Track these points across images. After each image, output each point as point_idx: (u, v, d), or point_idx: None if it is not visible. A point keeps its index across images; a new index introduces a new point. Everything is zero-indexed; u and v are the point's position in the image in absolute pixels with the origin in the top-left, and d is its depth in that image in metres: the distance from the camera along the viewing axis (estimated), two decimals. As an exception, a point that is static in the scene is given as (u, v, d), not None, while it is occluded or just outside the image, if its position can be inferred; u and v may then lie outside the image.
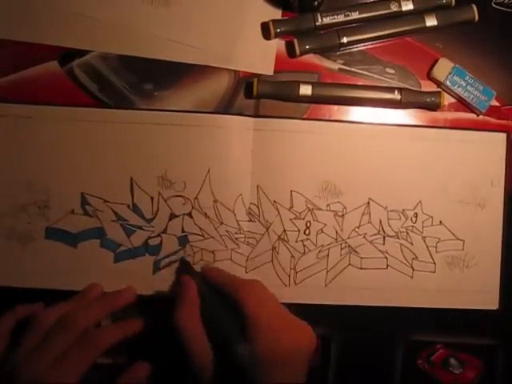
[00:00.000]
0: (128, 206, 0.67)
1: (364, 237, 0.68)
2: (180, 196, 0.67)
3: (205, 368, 0.58)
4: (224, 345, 0.58)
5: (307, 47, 0.68)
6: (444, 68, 0.69)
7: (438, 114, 0.70)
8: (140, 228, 0.67)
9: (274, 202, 0.67)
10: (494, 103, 0.70)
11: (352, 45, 0.69)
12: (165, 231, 0.67)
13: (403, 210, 0.68)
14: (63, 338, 0.58)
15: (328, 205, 0.68)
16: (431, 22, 0.69)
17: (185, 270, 0.66)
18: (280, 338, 0.58)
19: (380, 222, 0.68)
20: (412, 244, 0.68)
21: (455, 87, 0.69)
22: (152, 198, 0.67)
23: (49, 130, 0.66)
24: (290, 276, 0.67)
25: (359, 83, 0.70)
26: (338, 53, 0.70)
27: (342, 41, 0.68)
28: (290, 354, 0.58)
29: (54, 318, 0.60)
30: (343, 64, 0.70)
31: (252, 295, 0.60)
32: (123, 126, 0.67)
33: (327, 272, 0.68)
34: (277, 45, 0.69)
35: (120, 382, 0.61)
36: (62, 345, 0.58)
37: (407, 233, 0.68)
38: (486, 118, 0.70)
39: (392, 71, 0.70)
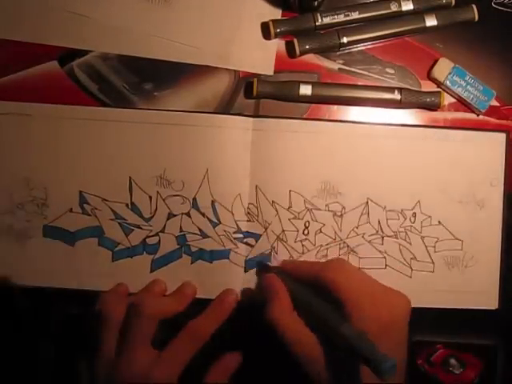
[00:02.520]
0: (126, 205, 0.67)
1: (363, 237, 0.68)
2: (178, 195, 0.67)
3: (315, 359, 0.57)
4: (327, 330, 0.56)
5: (307, 47, 0.68)
6: (444, 68, 0.69)
7: (437, 114, 0.70)
8: (138, 227, 0.67)
9: (273, 202, 0.67)
10: (494, 103, 0.69)
11: (352, 45, 0.69)
12: (163, 230, 0.67)
13: (402, 210, 0.68)
14: (142, 334, 0.60)
15: (327, 205, 0.67)
16: (431, 21, 0.69)
17: (264, 270, 0.66)
18: (379, 311, 0.58)
19: (379, 221, 0.68)
20: (411, 244, 0.68)
21: (455, 87, 0.68)
22: (150, 197, 0.67)
23: (47, 128, 0.67)
24: (288, 276, 0.67)
25: (359, 83, 0.70)
26: (337, 53, 0.70)
27: (341, 41, 0.68)
28: (391, 324, 0.58)
29: (121, 307, 0.62)
30: (343, 64, 0.70)
31: (340, 277, 0.60)
32: (122, 125, 0.67)
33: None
34: (277, 45, 0.70)
35: (212, 371, 0.62)
36: (141, 343, 0.60)
37: (406, 233, 0.68)
38: (486, 117, 0.70)
39: (392, 71, 0.70)
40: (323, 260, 0.67)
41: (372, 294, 0.59)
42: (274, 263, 0.67)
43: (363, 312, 0.57)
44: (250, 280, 0.67)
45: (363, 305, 0.58)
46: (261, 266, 0.67)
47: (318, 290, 0.60)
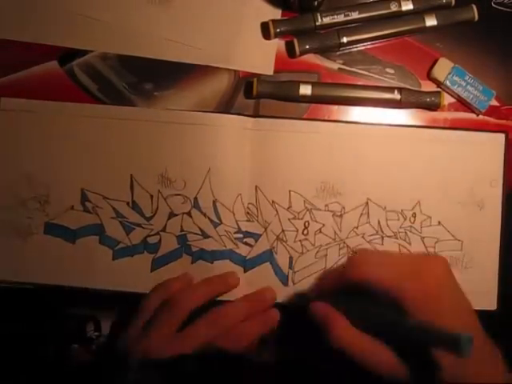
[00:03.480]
0: (128, 204, 0.67)
1: (362, 237, 0.68)
2: (179, 195, 0.67)
3: (397, 370, 0.54)
4: (390, 330, 0.55)
5: (307, 47, 0.69)
6: (444, 68, 0.69)
7: (437, 114, 0.70)
8: (139, 226, 0.67)
9: (273, 202, 0.67)
10: (494, 103, 0.69)
11: (352, 45, 0.70)
12: (164, 229, 0.67)
13: (402, 211, 0.68)
14: (169, 320, 0.61)
15: (326, 205, 0.67)
16: (431, 21, 0.69)
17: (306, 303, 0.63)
18: (423, 283, 0.55)
19: (378, 222, 0.68)
20: (410, 244, 0.68)
21: (455, 87, 0.69)
22: (152, 196, 0.67)
23: (50, 125, 0.67)
24: (288, 276, 0.67)
25: (359, 83, 0.70)
26: (337, 53, 0.70)
27: (341, 41, 0.68)
28: (440, 288, 0.56)
29: (158, 299, 0.63)
30: (343, 64, 0.70)
31: (367, 270, 0.57)
32: (125, 123, 0.67)
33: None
34: (277, 45, 0.70)
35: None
36: (167, 326, 0.61)
37: (406, 233, 0.68)
38: (486, 117, 0.70)
39: (392, 71, 0.70)
40: (322, 259, 0.67)
41: (406, 270, 0.57)
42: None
43: (407, 292, 0.55)
44: (250, 280, 0.67)
45: (404, 285, 0.55)
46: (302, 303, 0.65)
47: (355, 296, 0.58)
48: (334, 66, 0.70)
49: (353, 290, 0.58)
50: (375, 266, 0.58)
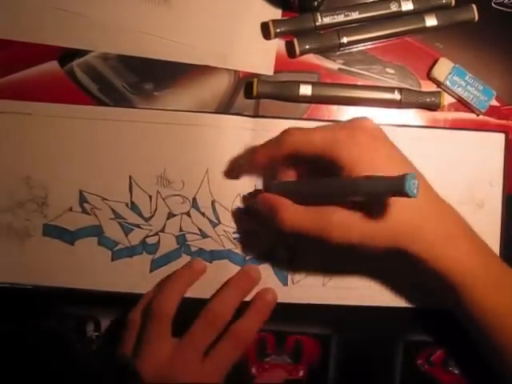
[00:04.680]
0: (126, 205, 0.67)
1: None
2: (178, 195, 0.67)
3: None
4: (336, 198, 0.55)
5: (307, 47, 0.69)
6: (444, 68, 0.69)
7: (437, 114, 0.70)
8: (138, 226, 0.67)
9: (273, 201, 0.67)
10: (494, 103, 0.69)
11: (352, 45, 0.69)
12: (163, 230, 0.67)
13: (401, 210, 0.68)
14: (155, 332, 0.61)
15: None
16: (431, 21, 0.69)
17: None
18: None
19: (378, 222, 0.68)
20: (410, 244, 0.68)
21: (455, 87, 0.68)
22: (150, 197, 0.67)
23: (48, 126, 0.67)
24: (287, 275, 0.67)
25: (359, 83, 0.70)
26: (337, 53, 0.70)
27: (341, 41, 0.68)
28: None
29: (139, 312, 0.63)
30: (343, 64, 0.70)
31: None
32: (122, 124, 0.67)
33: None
34: (277, 45, 0.70)
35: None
36: (156, 338, 0.61)
37: (405, 233, 0.68)
38: (486, 117, 0.69)
39: (392, 71, 0.70)
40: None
41: (337, 131, 0.57)
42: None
43: (343, 150, 0.56)
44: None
45: (338, 144, 0.56)
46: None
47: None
48: (334, 66, 0.70)
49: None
50: (307, 133, 0.58)
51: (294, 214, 0.57)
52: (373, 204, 0.55)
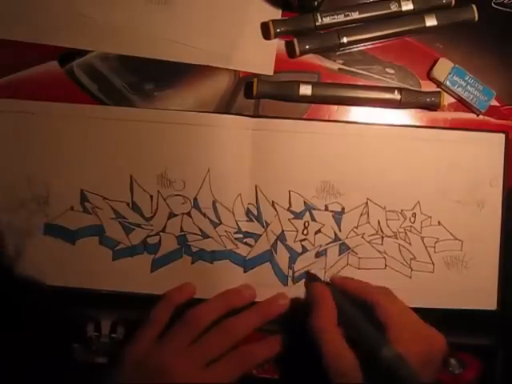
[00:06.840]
0: (127, 204, 0.67)
1: (362, 237, 0.68)
2: (179, 195, 0.67)
3: (345, 372, 0.56)
4: (368, 349, 0.56)
5: (307, 47, 0.69)
6: (444, 68, 0.69)
7: (437, 114, 0.70)
8: (139, 226, 0.67)
9: (273, 202, 0.67)
10: (494, 103, 0.69)
11: (352, 45, 0.69)
12: (163, 230, 0.67)
13: (402, 211, 0.68)
14: (184, 335, 0.62)
15: (326, 205, 0.67)
16: (431, 21, 0.69)
17: (313, 280, 0.66)
18: (420, 345, 0.57)
19: (378, 222, 0.68)
20: (410, 244, 0.68)
21: (455, 87, 0.69)
22: (151, 197, 0.67)
23: (50, 126, 0.67)
24: (288, 276, 0.67)
25: (359, 83, 0.70)
26: (337, 53, 0.70)
27: (341, 41, 0.68)
28: (428, 361, 0.58)
29: (166, 313, 0.64)
30: (343, 64, 0.70)
31: (387, 302, 0.60)
32: (124, 124, 0.67)
33: (325, 272, 0.68)
34: (277, 45, 0.70)
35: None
36: (181, 340, 0.61)
37: (405, 233, 0.68)
38: (486, 118, 0.70)
39: (392, 71, 0.70)
40: (322, 260, 0.67)
41: (414, 327, 0.60)
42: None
43: (404, 342, 0.57)
44: (249, 280, 0.67)
45: (405, 334, 0.58)
46: (309, 276, 0.67)
47: (363, 310, 0.60)
48: (334, 66, 0.70)
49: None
50: (395, 305, 0.61)
51: (333, 337, 0.58)
52: None
